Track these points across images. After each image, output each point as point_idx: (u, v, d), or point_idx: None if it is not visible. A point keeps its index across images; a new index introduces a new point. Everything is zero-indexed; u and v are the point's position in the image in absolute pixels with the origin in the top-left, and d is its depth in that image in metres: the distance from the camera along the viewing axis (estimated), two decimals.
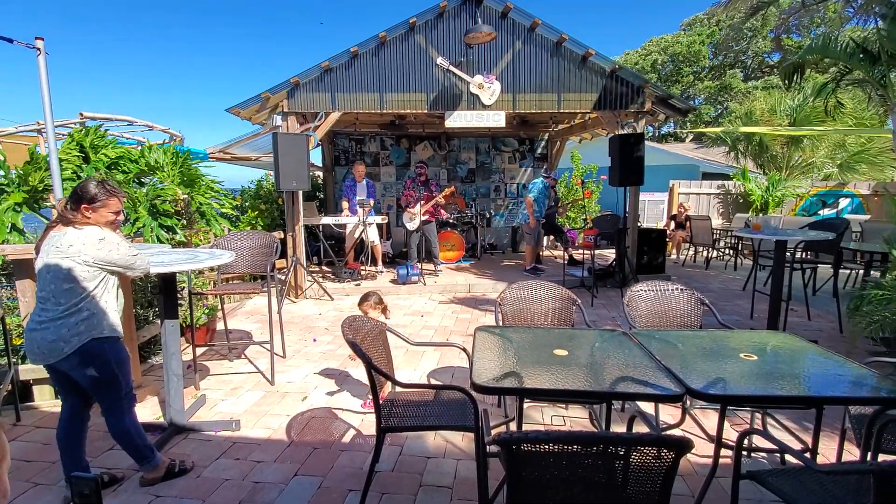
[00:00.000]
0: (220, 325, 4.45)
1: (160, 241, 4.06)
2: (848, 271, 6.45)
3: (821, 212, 9.66)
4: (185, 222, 4.62)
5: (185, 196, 4.51)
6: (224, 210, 5.00)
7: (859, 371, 1.87)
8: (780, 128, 10.35)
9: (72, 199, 2.14)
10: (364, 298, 3.30)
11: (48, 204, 3.89)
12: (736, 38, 25.65)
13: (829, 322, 4.93)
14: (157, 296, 3.85)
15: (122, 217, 2.27)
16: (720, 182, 10.21)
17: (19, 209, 3.68)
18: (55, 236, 2.07)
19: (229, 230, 4.99)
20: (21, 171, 3.72)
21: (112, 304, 2.19)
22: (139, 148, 4.61)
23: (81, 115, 5.69)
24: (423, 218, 6.91)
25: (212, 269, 4.89)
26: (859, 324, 3.71)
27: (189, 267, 2.64)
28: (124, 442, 2.24)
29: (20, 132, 5.86)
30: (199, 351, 3.97)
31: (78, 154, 4.05)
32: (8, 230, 3.51)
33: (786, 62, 6.01)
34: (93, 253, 2.07)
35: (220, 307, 4.35)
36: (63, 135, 5.32)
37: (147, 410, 3.13)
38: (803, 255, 5.80)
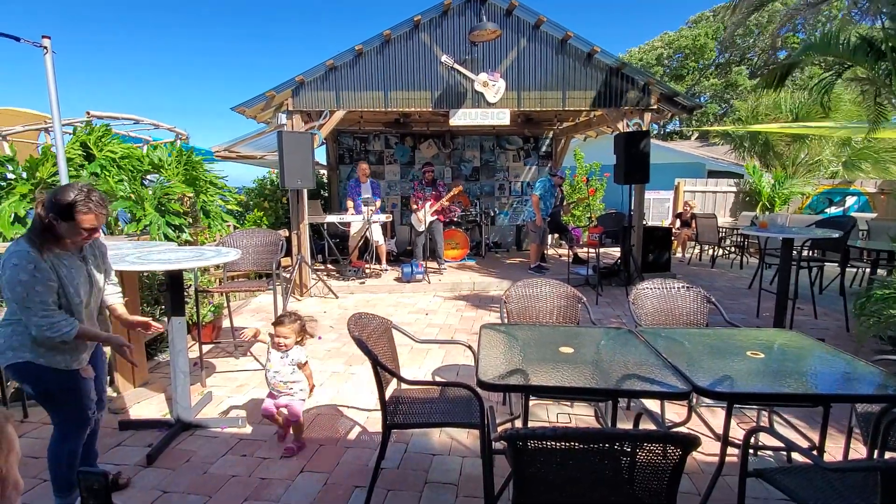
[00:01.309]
0: (225, 323, 4.47)
1: (168, 239, 4.09)
2: (855, 269, 6.41)
3: (827, 210, 9.61)
4: (190, 221, 4.65)
5: (191, 195, 4.54)
6: (230, 206, 5.02)
7: (866, 369, 1.86)
8: (785, 125, 10.28)
9: (46, 202, 1.83)
10: (279, 321, 2.60)
11: None
12: (742, 35, 25.46)
13: (836, 320, 4.91)
14: (163, 293, 3.88)
15: (98, 235, 1.95)
16: (734, 179, 10.19)
17: (23, 199, 3.71)
18: None
19: (235, 227, 5.01)
20: (28, 164, 3.76)
21: None
22: (144, 147, 4.65)
23: (88, 113, 5.71)
24: (431, 218, 6.92)
25: (217, 267, 4.91)
26: (866, 322, 3.69)
27: (195, 264, 2.65)
28: (51, 465, 2.01)
29: (27, 129, 5.91)
30: (206, 348, 4.00)
31: (80, 153, 4.09)
32: (11, 220, 3.55)
33: (787, 60, 5.83)
34: (3, 275, 1.77)
35: (225, 305, 4.37)
36: (71, 133, 5.34)
37: (154, 407, 3.15)
38: (810, 254, 5.77)
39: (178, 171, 4.45)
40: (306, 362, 2.68)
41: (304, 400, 2.67)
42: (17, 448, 0.88)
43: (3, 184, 3.83)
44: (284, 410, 2.61)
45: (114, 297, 2.26)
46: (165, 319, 2.84)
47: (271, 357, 2.62)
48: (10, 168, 3.81)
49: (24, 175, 3.79)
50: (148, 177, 4.61)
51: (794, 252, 4.63)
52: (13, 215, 3.60)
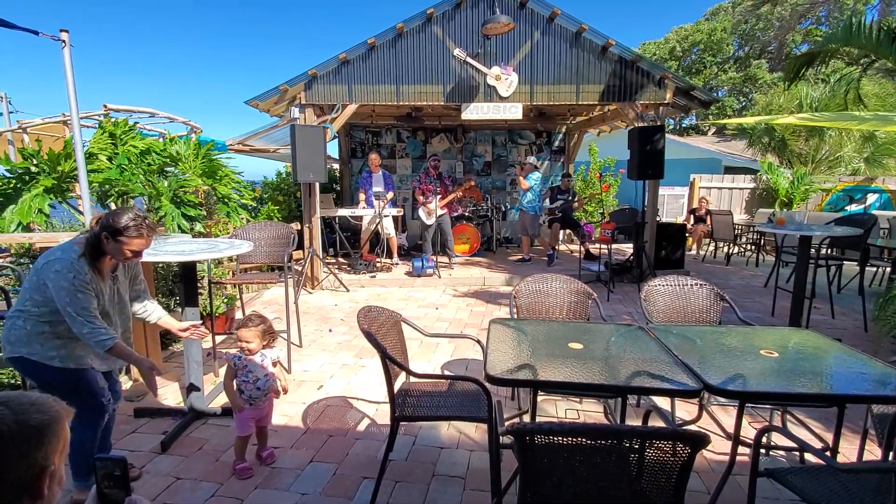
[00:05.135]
0: (238, 314, 4.52)
1: (181, 230, 4.15)
2: (875, 269, 6.28)
3: (848, 207, 9.40)
4: (205, 213, 4.71)
5: (207, 187, 4.59)
6: (244, 201, 5.07)
7: (884, 369, 1.82)
8: (807, 117, 10.03)
9: (102, 219, 1.98)
10: (244, 323, 2.36)
11: (73, 194, 3.99)
12: (763, 28, 24.91)
13: (854, 320, 4.81)
14: (177, 284, 3.94)
15: (140, 259, 2.08)
16: (751, 176, 10.01)
17: (48, 194, 3.78)
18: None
19: (248, 221, 5.07)
20: (49, 158, 3.81)
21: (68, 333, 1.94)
22: (162, 140, 4.71)
23: (105, 106, 5.81)
24: (440, 212, 6.91)
25: (230, 259, 4.97)
26: (886, 323, 3.60)
27: (209, 256, 2.69)
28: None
29: (46, 123, 6.02)
30: (219, 339, 4.06)
31: (110, 144, 4.15)
32: (35, 213, 3.62)
33: (808, 51, 5.61)
34: (47, 277, 1.87)
35: (238, 297, 4.42)
36: (88, 126, 5.44)
37: (168, 396, 3.21)
38: (828, 252, 5.66)
39: (195, 164, 4.49)
40: (277, 361, 2.45)
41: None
42: (67, 447, 0.89)
43: (27, 177, 3.89)
44: (252, 423, 2.39)
45: (158, 312, 2.35)
46: (180, 311, 2.88)
47: (250, 366, 2.34)
48: (35, 162, 3.88)
49: (46, 169, 3.85)
50: (165, 169, 4.67)
51: (812, 250, 4.53)
52: (37, 210, 3.66)
